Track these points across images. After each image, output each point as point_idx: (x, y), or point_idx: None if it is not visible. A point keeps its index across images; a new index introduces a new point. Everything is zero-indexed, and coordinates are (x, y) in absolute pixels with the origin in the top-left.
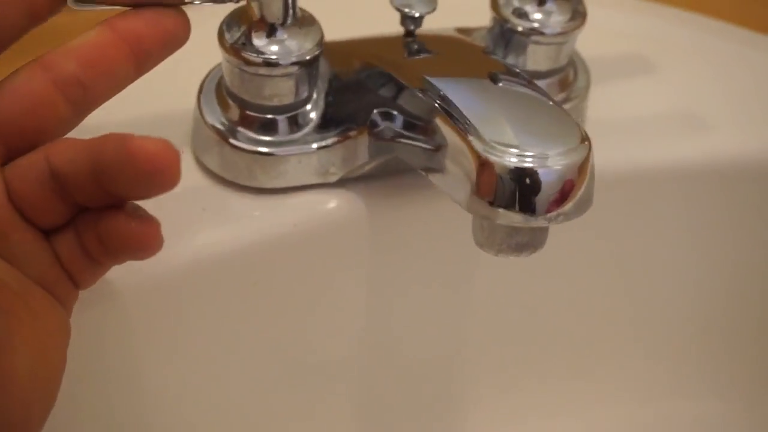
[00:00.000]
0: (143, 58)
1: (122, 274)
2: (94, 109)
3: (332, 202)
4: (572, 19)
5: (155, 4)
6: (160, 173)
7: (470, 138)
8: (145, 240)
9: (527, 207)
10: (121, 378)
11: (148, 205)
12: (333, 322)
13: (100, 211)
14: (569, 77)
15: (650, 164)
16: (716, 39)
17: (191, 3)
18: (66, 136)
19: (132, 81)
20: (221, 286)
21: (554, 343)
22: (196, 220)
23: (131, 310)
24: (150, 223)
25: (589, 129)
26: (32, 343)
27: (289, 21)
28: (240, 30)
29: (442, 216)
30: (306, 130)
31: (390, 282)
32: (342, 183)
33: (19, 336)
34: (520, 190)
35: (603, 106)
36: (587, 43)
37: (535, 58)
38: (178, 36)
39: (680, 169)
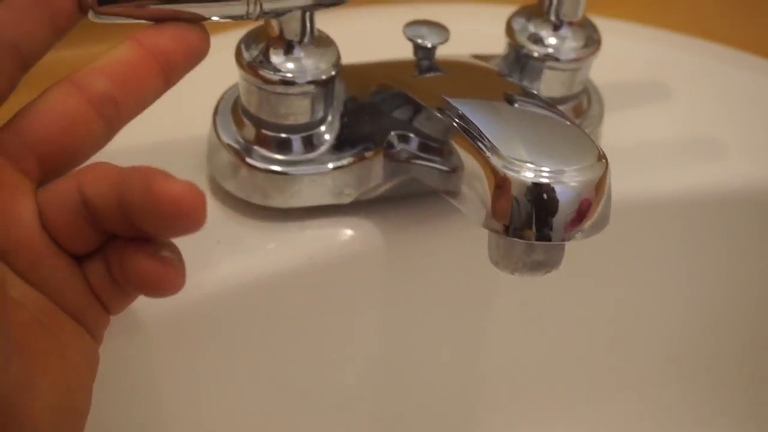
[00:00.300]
0: (171, 73)
1: (139, 307)
2: (125, 125)
3: (347, 232)
4: (586, 45)
5: (176, 18)
6: (184, 217)
7: (488, 155)
8: (163, 281)
9: (544, 223)
10: (140, 408)
11: None
12: (348, 352)
13: (127, 241)
14: (583, 104)
15: (662, 191)
16: (728, 66)
17: (209, 19)
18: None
19: (161, 95)
20: (237, 318)
21: (570, 371)
22: (212, 253)
23: (148, 343)
24: (171, 265)
25: None
26: (58, 385)
27: (306, 39)
28: (258, 48)
29: (457, 244)
30: (321, 150)
31: (405, 311)
32: (355, 211)
33: (45, 379)
34: (537, 206)
35: (616, 133)
36: (600, 69)
37: (550, 84)
38: (201, 50)
39: (692, 196)
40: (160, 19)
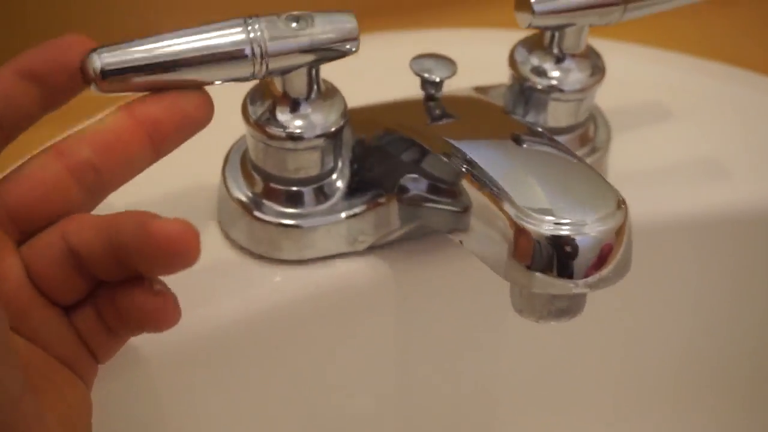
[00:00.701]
0: (161, 143)
1: (146, 342)
2: (110, 192)
3: (356, 266)
4: (591, 74)
5: (180, 87)
6: (180, 254)
7: (503, 204)
8: (162, 314)
9: (566, 274)
10: None
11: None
12: (356, 385)
13: (118, 284)
14: (590, 132)
15: (671, 213)
16: (735, 87)
17: (212, 83)
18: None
19: (150, 164)
20: (244, 351)
21: (583, 397)
22: (219, 287)
23: (156, 377)
24: (167, 297)
25: (611, 180)
26: (64, 420)
27: (313, 95)
28: (264, 105)
29: (466, 279)
30: (333, 200)
31: (413, 343)
32: (368, 247)
33: (53, 414)
34: (558, 257)
35: (623, 157)
36: (606, 92)
37: (556, 115)
38: (199, 118)
39: (702, 217)
40: (164, 88)
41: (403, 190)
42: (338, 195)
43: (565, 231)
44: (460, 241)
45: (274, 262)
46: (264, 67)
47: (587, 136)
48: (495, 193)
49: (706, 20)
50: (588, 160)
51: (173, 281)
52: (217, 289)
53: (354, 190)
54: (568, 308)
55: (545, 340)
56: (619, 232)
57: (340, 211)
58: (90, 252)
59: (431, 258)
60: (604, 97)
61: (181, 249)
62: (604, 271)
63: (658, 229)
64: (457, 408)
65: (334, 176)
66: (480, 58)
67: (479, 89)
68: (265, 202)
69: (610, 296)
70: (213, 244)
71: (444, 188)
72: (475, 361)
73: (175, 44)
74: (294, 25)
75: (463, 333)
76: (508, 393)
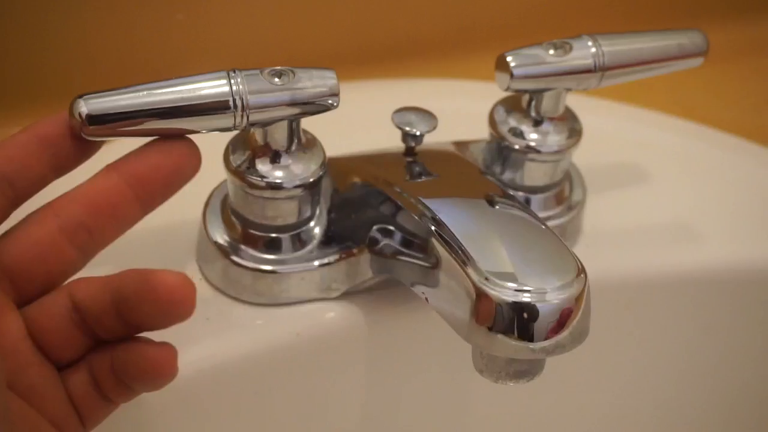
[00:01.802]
0: (147, 200)
1: None
2: (100, 250)
3: (333, 312)
4: (569, 137)
5: (164, 135)
6: (179, 304)
7: (467, 267)
8: (163, 365)
9: (524, 338)
10: None
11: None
12: (335, 427)
13: (115, 343)
14: (565, 191)
15: (645, 273)
16: (708, 146)
17: (196, 132)
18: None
19: (138, 221)
20: (224, 395)
21: None
22: (200, 330)
23: (135, 421)
24: (167, 347)
25: (585, 238)
26: None
27: (293, 147)
28: (245, 154)
29: (440, 326)
30: (309, 247)
31: (390, 390)
32: (343, 294)
33: None
34: (518, 322)
35: (598, 215)
36: (581, 149)
37: (532, 175)
38: (184, 172)
39: (673, 278)
40: (148, 136)
41: (375, 242)
42: (314, 243)
43: (526, 298)
44: (426, 298)
45: (249, 304)
46: (245, 119)
47: (563, 195)
48: (460, 254)
49: (679, 81)
50: (563, 219)
51: None
52: (195, 334)
53: (330, 238)
54: (526, 371)
55: (517, 394)
56: (578, 299)
57: (314, 259)
58: (94, 306)
59: (406, 307)
60: (580, 153)
61: (179, 298)
62: (561, 337)
63: (629, 287)
64: None
65: (311, 224)
66: (462, 111)
67: (459, 144)
68: (243, 246)
69: (580, 352)
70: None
71: (415, 243)
72: (445, 410)
73: (159, 93)
74: (276, 79)
75: (433, 382)
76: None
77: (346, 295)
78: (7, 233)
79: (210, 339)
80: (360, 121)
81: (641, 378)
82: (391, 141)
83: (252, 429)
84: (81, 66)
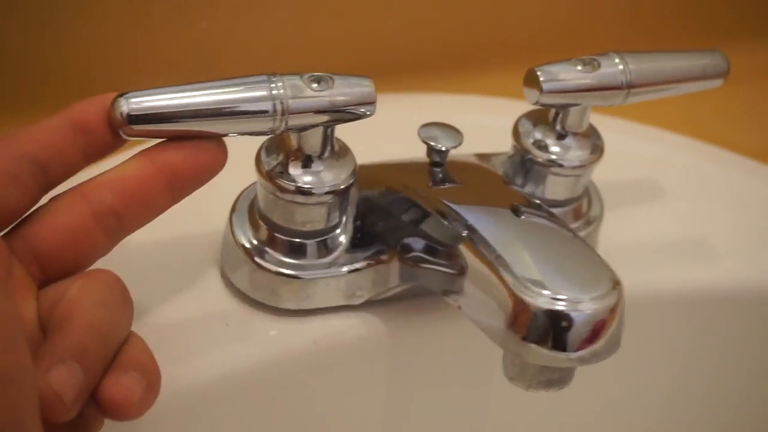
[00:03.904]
0: (179, 190)
1: None
2: (127, 236)
3: (352, 321)
4: (591, 153)
5: (201, 136)
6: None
7: (502, 272)
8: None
9: (559, 347)
10: None
11: (174, 326)
12: None
13: None
14: (584, 206)
15: (657, 289)
16: (716, 165)
17: (228, 135)
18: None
19: (166, 210)
20: (239, 402)
21: None
22: (219, 338)
23: (150, 428)
24: (131, 390)
25: (601, 254)
26: None
27: (326, 154)
28: (278, 158)
29: (460, 340)
30: (335, 254)
31: (408, 396)
32: (362, 303)
33: None
34: (554, 330)
35: (614, 232)
36: (600, 167)
37: (553, 188)
38: (215, 167)
39: (687, 295)
40: (185, 136)
41: (405, 249)
42: (340, 249)
43: (561, 306)
44: (459, 306)
45: (271, 314)
46: (284, 123)
47: (581, 210)
48: (494, 260)
49: (688, 102)
50: (581, 234)
51: (170, 331)
52: (213, 340)
53: (356, 245)
54: (557, 379)
55: (533, 408)
56: (613, 310)
57: (341, 266)
58: None
59: (426, 319)
60: (599, 171)
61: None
62: (596, 347)
63: (644, 303)
64: None
65: (338, 231)
66: (481, 126)
67: (481, 156)
68: (269, 250)
69: (597, 367)
70: (213, 292)
71: (441, 250)
72: (464, 424)
73: (200, 95)
74: (315, 85)
75: (453, 395)
76: None
77: (366, 305)
78: (36, 216)
79: (228, 345)
80: (381, 134)
81: (653, 393)
82: (417, 153)
83: None
84: (104, 73)
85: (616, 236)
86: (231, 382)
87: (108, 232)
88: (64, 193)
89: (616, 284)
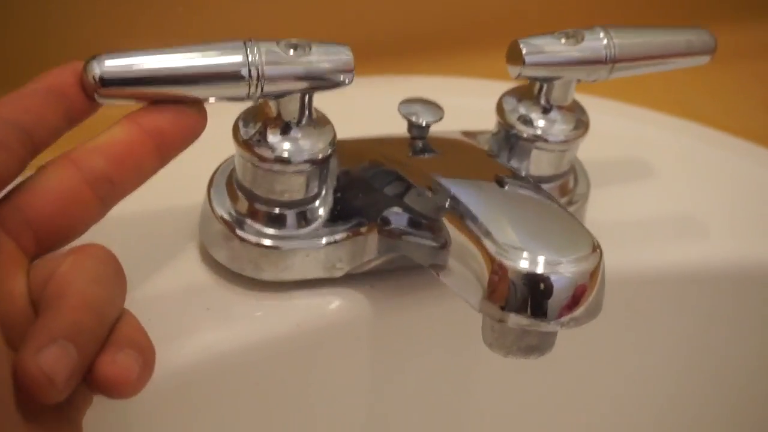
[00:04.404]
0: (166, 152)
1: None
2: (119, 201)
3: (336, 302)
4: (576, 128)
5: (176, 100)
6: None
7: (483, 241)
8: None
9: (539, 312)
10: None
11: (153, 305)
12: (334, 421)
13: None
14: (569, 183)
15: (646, 267)
16: (704, 144)
17: (207, 100)
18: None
19: (154, 174)
20: (224, 385)
21: None
22: (200, 320)
23: (133, 411)
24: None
25: None
26: None
27: (304, 120)
28: (255, 126)
29: (444, 316)
30: (314, 225)
31: (392, 378)
32: (345, 281)
33: None
34: (533, 296)
35: (600, 210)
36: (586, 146)
37: (538, 164)
38: (197, 130)
39: (674, 273)
40: (159, 100)
41: (385, 221)
42: (320, 221)
43: (540, 270)
44: (437, 274)
45: (254, 290)
46: (259, 89)
47: (567, 188)
48: (475, 229)
49: (676, 81)
50: None
51: (150, 311)
52: (193, 320)
53: (336, 217)
54: (537, 345)
55: (522, 379)
56: (594, 274)
57: (321, 237)
58: None
59: (410, 297)
60: (585, 150)
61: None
62: (577, 312)
63: (631, 281)
64: None
65: (317, 203)
66: (468, 107)
67: (466, 133)
68: (248, 221)
69: (584, 341)
70: (191, 268)
71: (424, 223)
72: (451, 397)
73: (175, 59)
74: (291, 51)
75: (438, 369)
76: (480, 425)
77: (347, 282)
78: (27, 186)
79: (211, 330)
80: (364, 115)
81: (642, 372)
82: (397, 132)
83: (253, 419)
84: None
85: (603, 215)
86: (213, 365)
87: (102, 198)
88: (53, 160)
89: (596, 247)
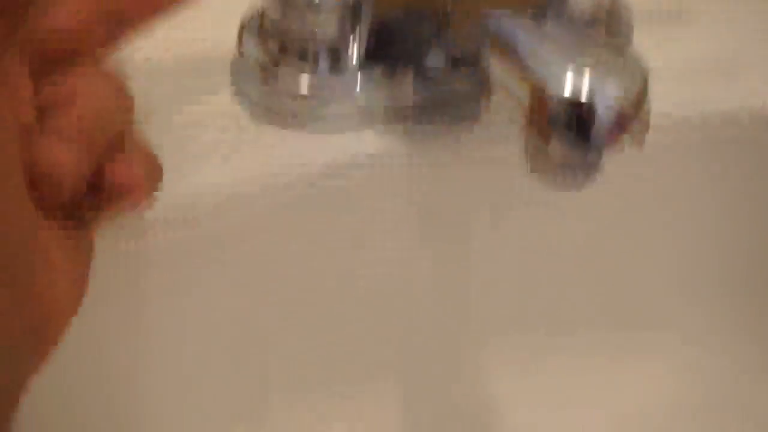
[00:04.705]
0: None
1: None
2: (128, 36)
3: (370, 145)
4: None
5: None
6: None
7: (526, 71)
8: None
9: (583, 136)
10: (127, 317)
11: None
12: (354, 266)
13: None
14: (612, 26)
15: (686, 111)
16: None
17: None
18: None
19: (166, 12)
20: (253, 222)
21: (583, 300)
22: (227, 155)
23: (151, 239)
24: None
25: None
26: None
27: None
28: None
29: (477, 166)
30: (349, 71)
31: (420, 230)
32: (379, 127)
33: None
34: (578, 121)
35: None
36: None
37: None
38: None
39: (714, 116)
40: None
41: (421, 65)
42: (354, 67)
43: (584, 96)
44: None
45: (284, 131)
46: None
47: (609, 29)
48: (520, 59)
49: None
50: None
51: (173, 142)
52: (222, 157)
53: (370, 63)
54: (580, 170)
55: (550, 239)
56: (638, 99)
57: (354, 84)
58: None
59: (442, 141)
60: None
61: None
62: (620, 137)
63: (669, 126)
64: (459, 302)
65: (351, 46)
66: None
67: None
68: (281, 68)
69: (617, 189)
70: (225, 107)
71: (465, 58)
72: (478, 251)
73: None
74: None
75: (468, 222)
76: (498, 290)
77: (383, 128)
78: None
79: (237, 163)
80: None
81: (672, 219)
82: None
83: (274, 261)
84: None
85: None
86: (237, 200)
87: (110, 31)
88: None
89: (642, 72)
